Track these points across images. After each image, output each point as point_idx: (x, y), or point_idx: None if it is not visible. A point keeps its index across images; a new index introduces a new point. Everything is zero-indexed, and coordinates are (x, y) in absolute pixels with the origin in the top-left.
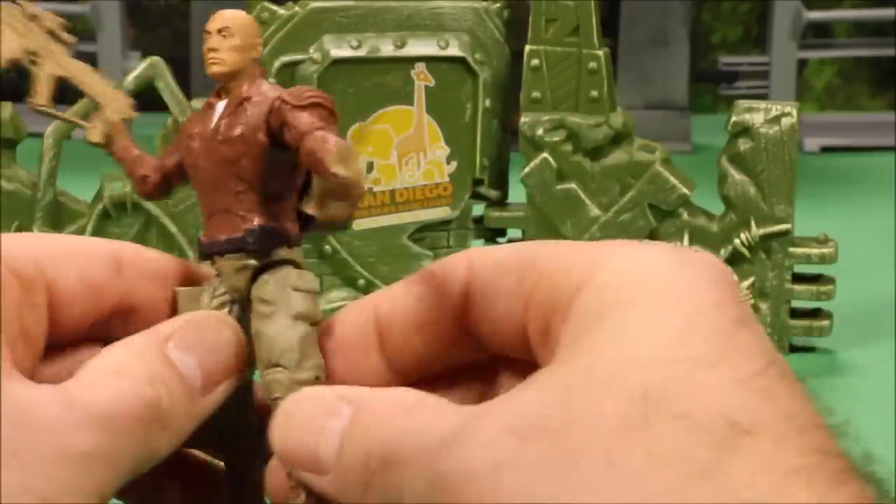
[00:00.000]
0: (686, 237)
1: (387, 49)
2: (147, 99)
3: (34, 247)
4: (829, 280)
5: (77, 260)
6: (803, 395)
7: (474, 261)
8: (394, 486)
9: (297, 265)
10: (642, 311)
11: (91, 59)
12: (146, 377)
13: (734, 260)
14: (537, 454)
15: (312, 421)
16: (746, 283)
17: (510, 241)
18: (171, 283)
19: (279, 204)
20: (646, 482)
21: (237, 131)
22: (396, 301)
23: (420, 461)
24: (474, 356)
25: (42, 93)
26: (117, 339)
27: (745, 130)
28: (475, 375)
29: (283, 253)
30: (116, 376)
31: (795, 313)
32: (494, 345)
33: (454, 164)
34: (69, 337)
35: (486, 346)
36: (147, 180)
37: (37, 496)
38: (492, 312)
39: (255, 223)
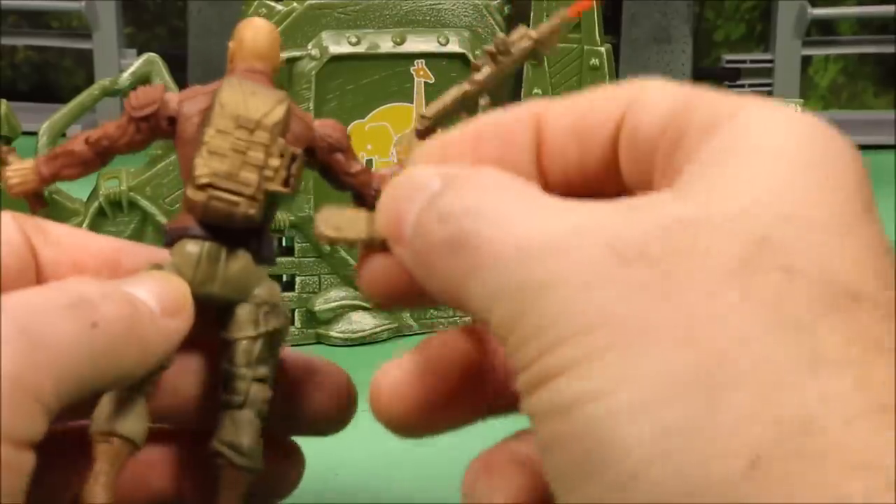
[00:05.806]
0: None
1: (386, 45)
2: None
3: None
4: None
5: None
6: None
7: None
8: (462, 273)
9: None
10: (774, 165)
11: (87, 57)
12: (101, 293)
13: None
14: (635, 277)
15: (405, 192)
16: None
17: None
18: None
19: None
20: (739, 322)
21: None
22: (560, 107)
23: (502, 264)
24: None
25: None
26: None
27: None
28: None
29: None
30: (71, 286)
31: None
32: (632, 173)
33: None
34: None
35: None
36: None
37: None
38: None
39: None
